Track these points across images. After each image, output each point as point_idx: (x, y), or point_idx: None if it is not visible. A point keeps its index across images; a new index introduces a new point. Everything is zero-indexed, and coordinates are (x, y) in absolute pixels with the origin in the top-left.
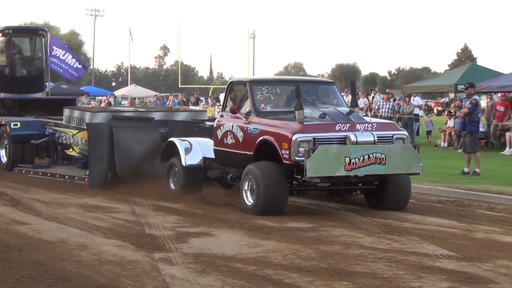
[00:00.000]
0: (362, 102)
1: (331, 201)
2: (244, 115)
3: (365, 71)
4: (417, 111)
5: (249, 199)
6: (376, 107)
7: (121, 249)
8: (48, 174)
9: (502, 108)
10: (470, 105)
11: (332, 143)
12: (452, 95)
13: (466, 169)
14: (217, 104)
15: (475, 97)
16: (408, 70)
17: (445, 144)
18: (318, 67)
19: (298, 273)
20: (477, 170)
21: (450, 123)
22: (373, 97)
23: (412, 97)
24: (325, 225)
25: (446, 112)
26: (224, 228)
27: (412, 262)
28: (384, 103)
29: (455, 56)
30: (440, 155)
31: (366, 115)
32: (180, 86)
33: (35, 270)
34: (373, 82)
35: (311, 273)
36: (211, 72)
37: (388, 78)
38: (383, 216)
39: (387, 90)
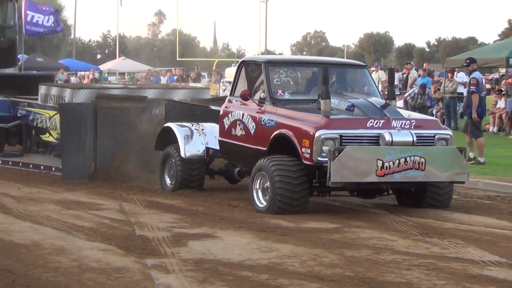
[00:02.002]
0: (396, 77)
1: None
2: (257, 102)
3: (399, 42)
4: (461, 89)
5: (260, 200)
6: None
7: (107, 254)
8: (20, 164)
9: None
10: (473, 87)
11: (363, 143)
12: (503, 70)
13: None
14: (222, 80)
15: (474, 74)
16: (450, 41)
17: (495, 129)
18: (343, 37)
19: (319, 283)
20: (481, 159)
21: (501, 103)
22: (407, 74)
23: (455, 73)
24: (351, 225)
25: (495, 90)
26: (230, 229)
27: (455, 270)
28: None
29: (507, 24)
30: (488, 141)
31: (400, 93)
32: (178, 59)
33: (3, 279)
34: (408, 54)
35: (334, 283)
36: (215, 43)
37: (427, 49)
38: (421, 215)
39: (424, 65)
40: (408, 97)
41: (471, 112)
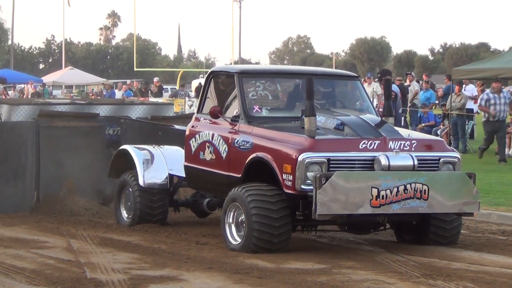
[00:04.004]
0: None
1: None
2: (229, 120)
3: (397, 49)
4: (470, 105)
5: (234, 237)
6: (484, 102)
7: None
8: None
9: None
10: None
11: (354, 168)
12: None
13: None
14: (190, 94)
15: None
16: (458, 47)
17: (510, 152)
18: (332, 43)
19: None
20: None
21: None
22: (409, 85)
23: (463, 86)
24: (342, 265)
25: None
26: (198, 271)
27: None
28: (496, 96)
29: None
30: (503, 167)
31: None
32: (136, 69)
33: None
34: (408, 64)
35: None
36: (179, 50)
37: (430, 58)
38: (423, 253)
39: (424, 77)
40: (484, 102)
41: None
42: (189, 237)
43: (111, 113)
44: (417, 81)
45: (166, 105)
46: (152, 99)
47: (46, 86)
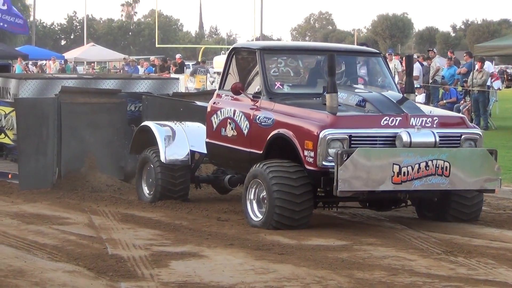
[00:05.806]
0: (417, 69)
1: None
2: (251, 97)
3: (419, 25)
4: (490, 81)
5: (255, 213)
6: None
7: (74, 276)
8: None
9: None
10: None
11: (376, 144)
12: None
13: None
14: (211, 70)
15: None
16: (480, 24)
17: None
18: (353, 20)
19: None
20: None
21: None
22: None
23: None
24: (363, 242)
25: None
26: (219, 247)
27: None
28: None
29: None
30: None
31: (420, 86)
32: (158, 45)
33: None
34: (430, 40)
35: None
36: (201, 26)
37: (452, 34)
38: (444, 230)
39: (449, 53)
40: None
41: None
42: (210, 213)
43: (117, 88)
44: (439, 57)
45: (171, 80)
46: (173, 76)
47: (68, 63)
